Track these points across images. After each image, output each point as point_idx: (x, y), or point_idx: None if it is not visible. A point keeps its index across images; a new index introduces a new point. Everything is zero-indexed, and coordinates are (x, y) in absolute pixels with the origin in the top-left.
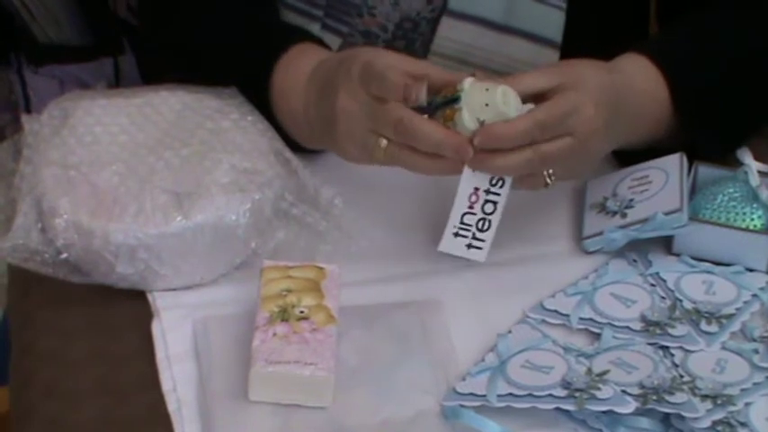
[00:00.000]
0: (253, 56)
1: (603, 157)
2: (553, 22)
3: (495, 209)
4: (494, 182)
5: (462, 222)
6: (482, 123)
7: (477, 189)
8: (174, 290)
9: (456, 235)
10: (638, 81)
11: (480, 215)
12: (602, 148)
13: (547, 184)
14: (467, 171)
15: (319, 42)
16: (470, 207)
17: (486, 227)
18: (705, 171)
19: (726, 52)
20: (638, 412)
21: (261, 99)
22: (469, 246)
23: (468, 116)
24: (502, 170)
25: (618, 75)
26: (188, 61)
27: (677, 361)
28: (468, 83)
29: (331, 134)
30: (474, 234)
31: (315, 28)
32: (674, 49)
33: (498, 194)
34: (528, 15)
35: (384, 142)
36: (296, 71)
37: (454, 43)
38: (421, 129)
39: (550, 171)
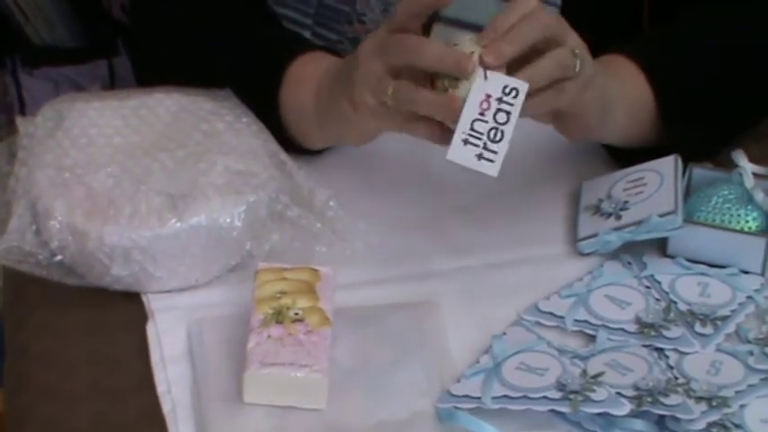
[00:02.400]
0: (271, 48)
1: (599, 160)
2: None
3: (508, 119)
4: (507, 90)
5: (472, 129)
6: None
7: (488, 96)
8: (169, 292)
9: (465, 142)
10: (619, 78)
11: (492, 124)
12: (594, 73)
13: (575, 63)
14: (479, 78)
15: (332, 53)
16: (481, 114)
17: (498, 137)
18: (700, 173)
19: (710, 51)
20: (633, 414)
21: (268, 91)
22: (480, 156)
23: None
24: (517, 40)
25: (599, 67)
26: (185, 55)
27: (672, 363)
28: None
29: (346, 92)
30: (485, 144)
31: (304, 36)
32: (656, 49)
33: (511, 104)
34: None
35: (393, 86)
36: (314, 67)
37: None
38: (423, 43)
39: (576, 50)
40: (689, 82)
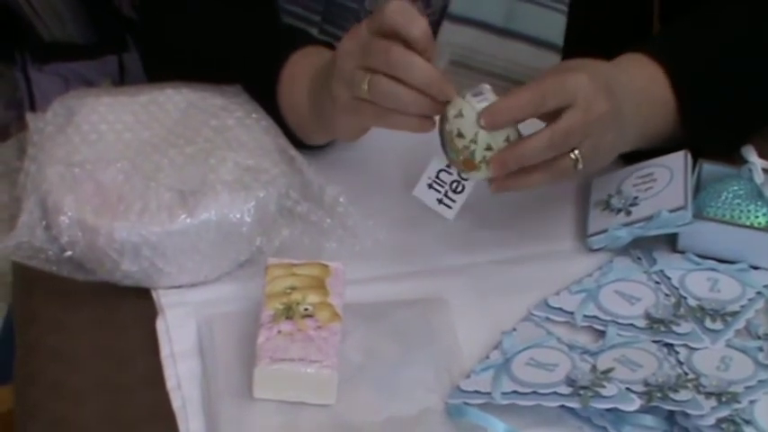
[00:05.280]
0: (265, 48)
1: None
2: (554, 26)
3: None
4: None
5: (438, 177)
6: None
7: None
8: (179, 287)
9: (430, 186)
10: (638, 80)
11: (456, 177)
12: (611, 125)
13: (576, 166)
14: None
15: (330, 47)
16: (448, 166)
17: (459, 189)
18: (709, 169)
19: (728, 46)
20: (643, 410)
21: (267, 91)
22: (440, 201)
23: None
24: (528, 157)
25: (618, 70)
26: (191, 54)
27: (682, 358)
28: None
29: (327, 88)
30: (447, 192)
31: (312, 33)
32: (675, 45)
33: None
34: (529, 19)
35: (369, 77)
36: (307, 63)
37: (455, 47)
38: (413, 63)
39: (576, 152)
40: (714, 85)
